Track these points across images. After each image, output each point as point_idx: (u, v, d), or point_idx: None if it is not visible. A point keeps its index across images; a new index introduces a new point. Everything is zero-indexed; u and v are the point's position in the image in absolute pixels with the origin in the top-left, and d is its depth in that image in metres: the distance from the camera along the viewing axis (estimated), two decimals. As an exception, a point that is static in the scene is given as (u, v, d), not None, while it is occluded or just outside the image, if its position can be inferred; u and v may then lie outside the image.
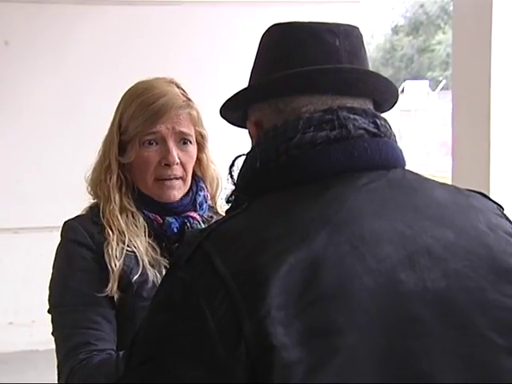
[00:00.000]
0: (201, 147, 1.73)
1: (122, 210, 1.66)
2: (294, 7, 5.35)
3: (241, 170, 1.05)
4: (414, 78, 27.54)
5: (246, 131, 1.10)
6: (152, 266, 1.61)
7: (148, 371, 0.88)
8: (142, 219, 1.66)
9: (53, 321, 1.64)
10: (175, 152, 1.64)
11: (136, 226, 1.65)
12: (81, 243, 1.62)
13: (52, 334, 1.64)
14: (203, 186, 1.75)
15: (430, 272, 0.90)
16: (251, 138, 1.08)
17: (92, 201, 1.73)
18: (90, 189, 1.72)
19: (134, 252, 1.62)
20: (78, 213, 1.72)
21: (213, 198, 1.77)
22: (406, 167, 1.04)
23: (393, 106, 1.12)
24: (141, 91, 1.67)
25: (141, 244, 1.63)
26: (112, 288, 1.57)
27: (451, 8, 3.65)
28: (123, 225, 1.63)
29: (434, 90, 24.46)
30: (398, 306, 0.87)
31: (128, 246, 1.61)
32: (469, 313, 0.90)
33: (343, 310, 0.84)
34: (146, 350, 0.90)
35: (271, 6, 5.35)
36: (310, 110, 1.01)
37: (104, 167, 1.68)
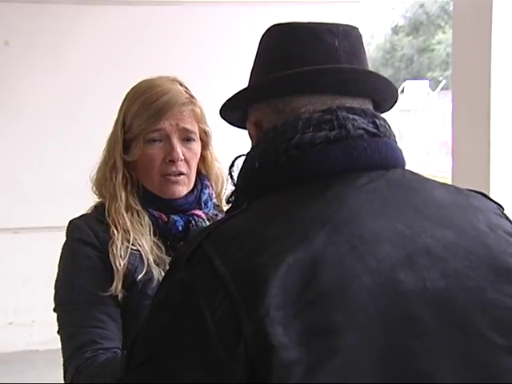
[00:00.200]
0: (205, 145, 1.73)
1: (128, 208, 1.66)
2: (293, 7, 5.35)
3: (240, 171, 1.05)
4: (414, 78, 27.54)
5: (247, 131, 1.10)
6: (157, 265, 1.61)
7: (148, 371, 0.88)
8: (147, 218, 1.67)
9: (58, 319, 1.65)
10: (179, 148, 1.65)
11: (141, 224, 1.66)
12: (86, 242, 1.63)
13: (57, 332, 1.64)
14: (208, 183, 1.75)
15: (429, 272, 0.90)
16: (251, 138, 1.09)
17: (96, 200, 1.74)
18: (94, 188, 1.73)
19: (139, 251, 1.62)
20: (78, 213, 1.72)
21: (218, 195, 1.78)
22: (406, 167, 1.05)
23: (392, 106, 1.12)
24: (144, 89, 1.68)
25: (146, 242, 1.64)
26: (117, 287, 1.58)
27: (451, 8, 3.65)
28: (128, 223, 1.64)
29: (434, 90, 24.47)
30: (397, 305, 0.87)
31: (133, 244, 1.62)
32: (469, 313, 0.90)
33: (342, 309, 0.84)
34: (146, 350, 0.90)
35: (271, 6, 5.35)
36: (310, 110, 1.01)
37: (109, 166, 1.69)
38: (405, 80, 25.69)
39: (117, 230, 1.63)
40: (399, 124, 19.72)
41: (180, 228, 1.65)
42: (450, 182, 2.36)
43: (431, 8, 31.99)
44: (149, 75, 1.77)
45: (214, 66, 5.44)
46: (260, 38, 1.10)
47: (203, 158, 1.74)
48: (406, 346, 0.86)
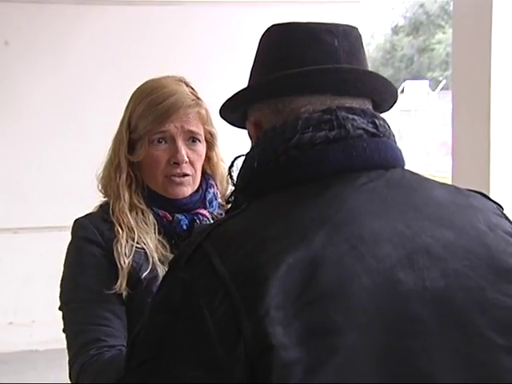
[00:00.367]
0: (210, 145, 1.74)
1: (132, 207, 1.67)
2: (294, 7, 5.35)
3: (240, 171, 1.05)
4: (414, 78, 27.54)
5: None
6: (162, 263, 1.62)
7: (148, 371, 0.88)
8: (151, 216, 1.67)
9: (63, 318, 1.65)
10: (184, 151, 1.65)
11: (146, 223, 1.67)
12: (91, 240, 1.64)
13: (63, 331, 1.65)
14: (213, 183, 1.76)
15: (429, 271, 0.90)
16: (250, 138, 1.09)
17: (101, 199, 1.74)
18: (100, 187, 1.74)
19: (144, 249, 1.63)
20: (78, 212, 1.73)
21: (223, 195, 1.78)
22: (406, 167, 1.05)
23: (392, 106, 1.12)
24: (150, 90, 1.68)
25: (150, 241, 1.64)
26: (121, 285, 1.59)
27: (451, 8, 3.65)
28: (133, 222, 1.65)
29: (434, 90, 24.46)
30: (397, 305, 0.87)
31: (137, 243, 1.63)
32: (468, 312, 0.90)
33: (342, 309, 0.84)
34: (146, 351, 0.90)
35: (271, 6, 5.35)
36: (309, 110, 1.01)
37: (114, 165, 1.69)
38: (405, 80, 25.68)
39: (121, 228, 1.64)
40: (399, 124, 19.72)
41: (185, 227, 1.66)
42: (450, 182, 2.36)
43: (431, 8, 31.98)
44: (149, 75, 1.77)
45: (215, 66, 5.44)
46: (259, 38, 1.10)
47: (209, 159, 1.75)
48: (405, 345, 0.86)
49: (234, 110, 1.12)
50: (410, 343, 0.86)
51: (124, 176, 1.68)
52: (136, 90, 1.73)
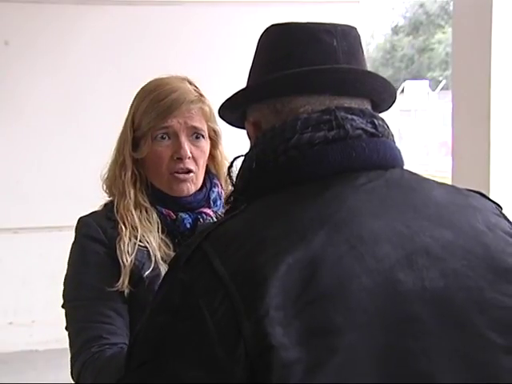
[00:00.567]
0: (214, 143, 1.74)
1: (137, 205, 1.68)
2: (293, 7, 5.35)
3: (239, 171, 1.05)
4: (414, 78, 27.53)
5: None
6: (164, 262, 1.62)
7: (148, 371, 0.88)
8: (155, 215, 1.68)
9: (66, 316, 1.66)
10: (187, 146, 1.66)
11: (149, 221, 1.67)
12: (94, 238, 1.64)
13: (65, 328, 1.66)
14: (217, 182, 1.76)
15: (428, 271, 0.90)
16: (249, 138, 1.09)
17: (106, 199, 1.75)
18: (105, 187, 1.74)
19: (147, 247, 1.63)
20: (78, 212, 1.74)
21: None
22: (405, 167, 1.05)
23: (391, 106, 1.12)
24: (153, 87, 1.69)
25: (153, 239, 1.65)
26: (123, 282, 1.59)
27: (451, 8, 3.65)
28: (136, 220, 1.65)
29: (434, 90, 24.45)
30: (396, 305, 0.87)
31: (140, 241, 1.63)
32: (467, 312, 0.90)
33: (342, 309, 0.84)
34: (146, 351, 0.90)
35: (271, 6, 5.35)
36: (308, 110, 1.01)
37: (119, 164, 1.70)
38: (405, 80, 25.68)
39: (125, 226, 1.64)
40: (399, 124, 19.73)
41: (188, 226, 1.66)
42: (449, 182, 2.36)
43: (431, 8, 31.98)
44: (149, 75, 1.77)
45: (215, 66, 5.44)
46: (258, 38, 1.10)
47: (213, 157, 1.75)
48: (405, 345, 0.86)
49: (233, 110, 1.12)
50: (409, 343, 0.86)
51: (129, 174, 1.68)
52: (140, 89, 1.73)
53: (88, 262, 1.63)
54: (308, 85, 1.02)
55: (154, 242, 1.64)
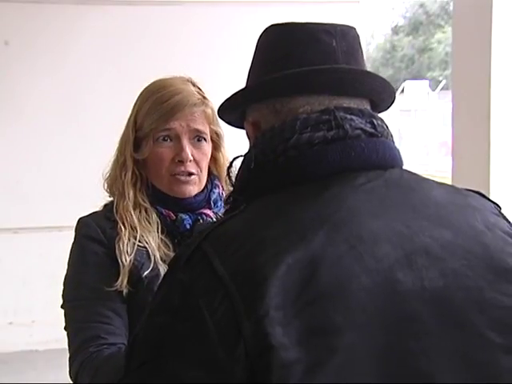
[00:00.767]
0: (217, 146, 1.74)
1: (136, 205, 1.68)
2: (293, 7, 5.35)
3: (238, 172, 1.05)
4: (414, 78, 27.53)
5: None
6: (164, 262, 1.62)
7: (148, 371, 0.88)
8: (154, 215, 1.68)
9: (65, 315, 1.66)
10: (189, 149, 1.66)
11: (149, 221, 1.67)
12: (93, 239, 1.65)
13: (64, 328, 1.66)
14: (218, 184, 1.76)
15: (427, 271, 0.90)
16: (249, 138, 1.09)
17: (107, 199, 1.75)
18: (106, 186, 1.75)
19: (146, 247, 1.64)
20: (78, 212, 1.74)
21: None
22: (405, 167, 1.05)
23: (390, 106, 1.12)
24: (156, 89, 1.69)
25: (153, 240, 1.65)
26: (122, 282, 1.59)
27: (451, 8, 3.65)
28: (136, 220, 1.65)
29: (434, 90, 24.44)
30: (396, 305, 0.87)
31: (140, 241, 1.63)
32: (467, 312, 0.90)
33: (341, 309, 0.84)
34: (146, 351, 0.90)
35: (271, 6, 5.35)
36: (307, 110, 1.01)
37: (119, 164, 1.70)
38: (405, 80, 25.67)
39: (124, 226, 1.64)
40: (399, 124, 19.73)
41: (188, 226, 1.66)
42: (449, 182, 2.36)
43: (431, 8, 31.98)
44: (148, 75, 1.77)
45: (214, 66, 5.44)
46: (258, 38, 1.10)
47: (215, 160, 1.75)
48: (405, 345, 0.86)
49: (233, 111, 1.12)
50: (409, 343, 0.86)
51: (129, 174, 1.68)
52: (143, 90, 1.73)
53: (87, 262, 1.64)
54: (307, 85, 1.02)
55: (154, 242, 1.65)
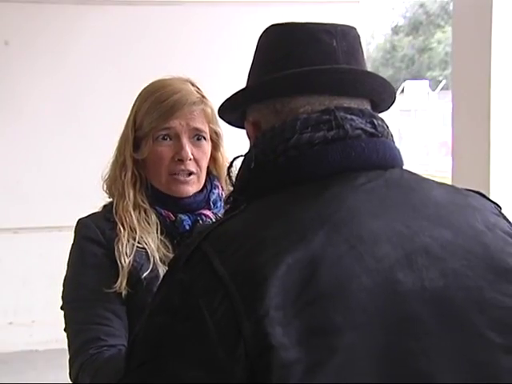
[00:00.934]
0: (216, 146, 1.74)
1: (136, 206, 1.67)
2: (294, 7, 5.35)
3: (238, 172, 1.05)
4: (414, 78, 27.53)
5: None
6: (163, 263, 1.62)
7: (148, 371, 0.88)
8: (154, 216, 1.67)
9: (65, 317, 1.66)
10: (188, 148, 1.65)
11: (148, 222, 1.67)
12: (93, 240, 1.64)
13: (64, 330, 1.66)
14: (218, 184, 1.76)
15: (427, 271, 0.90)
16: (249, 138, 1.09)
17: (106, 200, 1.75)
18: (105, 187, 1.74)
19: (145, 249, 1.63)
20: (78, 213, 1.74)
21: None
22: (405, 167, 1.05)
23: (390, 106, 1.12)
24: (155, 89, 1.69)
25: (152, 241, 1.65)
26: (121, 283, 1.59)
27: (451, 8, 3.65)
28: (135, 221, 1.65)
29: (434, 90, 24.45)
30: (396, 305, 0.87)
31: (139, 242, 1.63)
32: (467, 312, 0.90)
33: (341, 309, 0.84)
34: (146, 351, 0.90)
35: (271, 6, 5.35)
36: (308, 110, 1.01)
37: (119, 164, 1.70)
38: (405, 80, 25.67)
39: (123, 227, 1.64)
40: (399, 124, 19.73)
41: (187, 227, 1.66)
42: (449, 182, 2.36)
43: (431, 8, 31.98)
44: (148, 75, 1.77)
45: (214, 66, 5.44)
46: (258, 38, 1.10)
47: (214, 160, 1.75)
48: (405, 345, 0.86)
49: (233, 111, 1.12)
50: (409, 343, 0.86)
51: (129, 174, 1.68)
52: (142, 89, 1.73)
53: (86, 263, 1.63)
54: (308, 85, 1.02)
55: (153, 243, 1.64)
